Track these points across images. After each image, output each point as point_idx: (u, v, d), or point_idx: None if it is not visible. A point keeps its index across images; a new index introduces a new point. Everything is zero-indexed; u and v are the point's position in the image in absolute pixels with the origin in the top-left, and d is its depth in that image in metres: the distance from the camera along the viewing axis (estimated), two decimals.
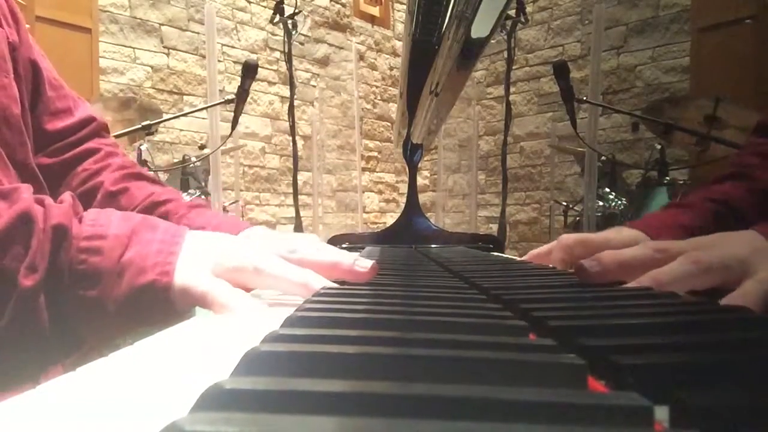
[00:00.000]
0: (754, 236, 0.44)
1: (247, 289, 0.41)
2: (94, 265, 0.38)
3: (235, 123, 1.78)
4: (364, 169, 4.62)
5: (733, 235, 0.45)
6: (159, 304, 0.38)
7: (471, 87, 4.08)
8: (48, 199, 0.40)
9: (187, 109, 3.34)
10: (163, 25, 3.49)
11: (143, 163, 2.30)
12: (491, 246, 1.16)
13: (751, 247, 0.42)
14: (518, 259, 0.81)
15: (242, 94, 1.73)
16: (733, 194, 0.69)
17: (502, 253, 1.18)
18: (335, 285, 0.42)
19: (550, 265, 0.64)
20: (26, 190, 0.40)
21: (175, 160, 3.09)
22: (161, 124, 2.36)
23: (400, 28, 4.97)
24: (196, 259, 0.40)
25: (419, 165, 1.27)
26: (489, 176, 4.61)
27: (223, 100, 1.80)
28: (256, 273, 0.40)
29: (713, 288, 0.41)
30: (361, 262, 0.44)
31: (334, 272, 0.44)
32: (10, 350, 0.37)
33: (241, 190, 3.61)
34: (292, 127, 2.08)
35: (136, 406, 0.16)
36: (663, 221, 0.67)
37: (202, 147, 3.04)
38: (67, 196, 0.42)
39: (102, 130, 0.77)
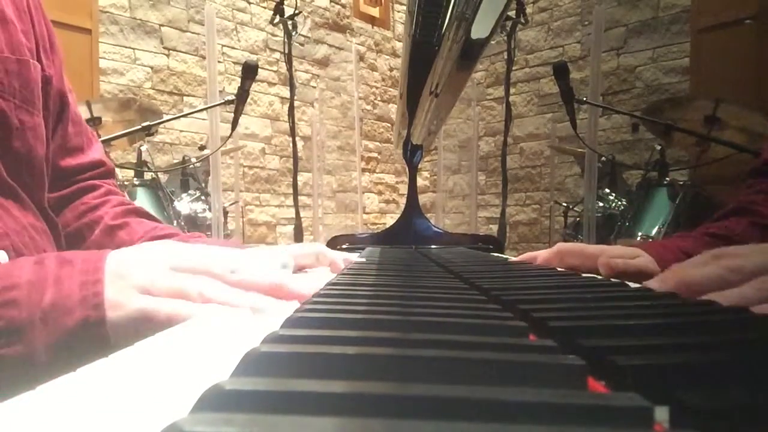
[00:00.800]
0: None
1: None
2: (12, 320, 0.34)
3: (235, 124, 1.78)
4: (364, 170, 4.62)
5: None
6: (96, 342, 0.34)
7: (471, 88, 4.08)
8: None
9: (187, 110, 3.34)
10: (163, 26, 3.50)
11: (143, 163, 2.30)
12: (491, 247, 1.16)
13: None
14: (513, 259, 0.81)
15: (242, 94, 1.73)
16: (734, 229, 0.69)
17: (502, 253, 1.18)
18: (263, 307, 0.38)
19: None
20: None
21: (175, 161, 3.09)
22: (161, 125, 2.37)
23: (400, 29, 4.97)
24: (122, 283, 0.36)
25: (419, 166, 1.27)
26: (489, 177, 4.61)
27: (223, 101, 1.80)
28: (199, 297, 0.37)
29: None
30: (299, 285, 0.40)
31: (278, 294, 0.40)
32: None
33: (241, 191, 3.61)
34: (292, 127, 2.08)
35: (136, 407, 0.16)
36: (663, 245, 0.67)
37: (202, 148, 3.05)
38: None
39: (108, 175, 0.76)
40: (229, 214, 2.90)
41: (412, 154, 1.23)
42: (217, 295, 0.37)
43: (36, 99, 0.59)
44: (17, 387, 0.17)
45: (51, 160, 0.66)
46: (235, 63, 3.81)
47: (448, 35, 0.97)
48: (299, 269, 0.64)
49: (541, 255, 0.66)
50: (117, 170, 2.53)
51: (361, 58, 4.68)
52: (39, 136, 0.59)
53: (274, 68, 4.08)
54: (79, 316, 0.34)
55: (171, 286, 0.37)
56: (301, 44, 4.20)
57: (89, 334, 0.34)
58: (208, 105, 1.86)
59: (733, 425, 0.14)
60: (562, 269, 0.63)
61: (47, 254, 0.39)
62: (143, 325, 0.35)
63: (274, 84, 4.08)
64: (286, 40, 2.05)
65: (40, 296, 0.35)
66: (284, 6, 2.05)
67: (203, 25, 2.38)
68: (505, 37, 2.09)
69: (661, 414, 0.15)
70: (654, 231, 2.06)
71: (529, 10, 3.37)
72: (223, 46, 3.76)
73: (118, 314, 0.35)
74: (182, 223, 2.31)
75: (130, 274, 0.37)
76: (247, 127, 3.89)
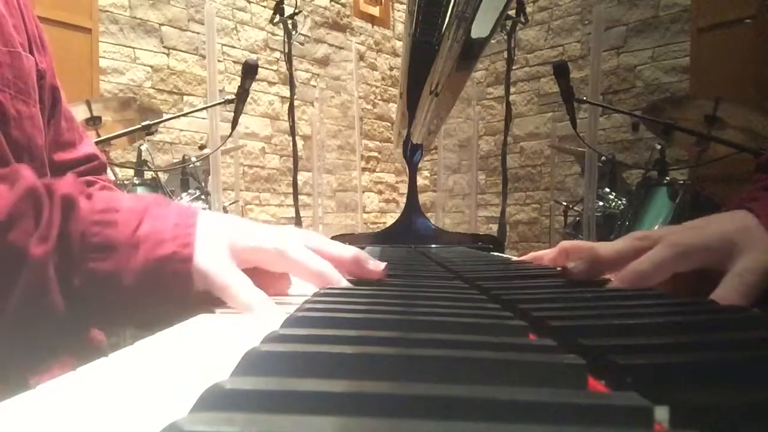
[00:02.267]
0: (743, 216, 0.42)
1: (263, 271, 0.41)
2: (108, 237, 0.36)
3: (235, 123, 1.78)
4: (364, 169, 4.62)
5: (722, 215, 0.44)
6: (179, 278, 0.37)
7: (471, 87, 4.08)
8: (48, 178, 0.40)
9: (187, 109, 3.34)
10: (163, 25, 3.49)
11: (143, 163, 2.30)
12: (491, 246, 1.16)
13: (738, 225, 0.41)
14: (518, 258, 0.81)
15: (242, 94, 1.73)
16: None
17: (502, 253, 1.18)
18: (347, 283, 0.41)
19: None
20: (25, 169, 0.39)
21: (175, 160, 3.08)
22: (161, 124, 2.36)
23: (400, 28, 4.97)
24: (214, 235, 0.39)
25: (419, 165, 1.27)
26: (489, 176, 4.61)
27: (223, 100, 1.80)
28: (277, 254, 0.40)
29: (707, 286, 0.40)
30: (376, 262, 0.44)
31: (352, 268, 0.43)
32: (22, 328, 0.35)
33: (241, 191, 3.61)
34: (292, 127, 2.08)
35: (136, 406, 0.16)
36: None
37: (202, 147, 3.05)
38: (69, 175, 0.41)
39: (101, 169, 0.77)
40: (229, 214, 2.90)
41: (412, 153, 1.23)
42: (297, 254, 0.40)
43: (31, 90, 0.59)
44: (17, 387, 0.17)
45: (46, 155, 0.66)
46: (235, 62, 3.80)
47: (448, 34, 0.97)
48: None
49: (547, 255, 0.66)
50: (117, 169, 2.54)
51: (361, 57, 4.68)
52: (37, 126, 0.60)
53: (274, 67, 4.08)
54: (170, 249, 0.37)
55: (252, 243, 0.40)
56: (301, 43, 4.19)
57: (176, 270, 0.37)
58: (208, 104, 1.86)
59: (733, 425, 0.14)
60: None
61: (145, 194, 0.42)
62: (206, 282, 0.37)
63: (274, 83, 4.08)
64: (286, 39, 2.05)
65: (137, 224, 0.37)
66: (284, 5, 2.05)
67: (203, 24, 2.37)
68: (505, 37, 2.09)
69: (661, 414, 0.15)
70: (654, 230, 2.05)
71: (529, 9, 3.36)
72: (223, 45, 3.76)
73: (198, 259, 0.37)
74: None
75: (221, 227, 0.40)
76: (247, 127, 3.89)
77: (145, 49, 3.41)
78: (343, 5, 4.58)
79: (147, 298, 0.37)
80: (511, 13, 2.02)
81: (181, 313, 0.36)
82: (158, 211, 0.39)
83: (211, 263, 0.38)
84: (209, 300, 0.38)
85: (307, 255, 0.41)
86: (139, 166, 2.28)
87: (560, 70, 1.60)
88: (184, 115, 2.56)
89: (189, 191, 2.48)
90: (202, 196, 2.47)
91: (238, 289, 0.37)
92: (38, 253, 0.34)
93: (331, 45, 4.48)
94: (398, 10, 5.01)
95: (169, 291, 0.37)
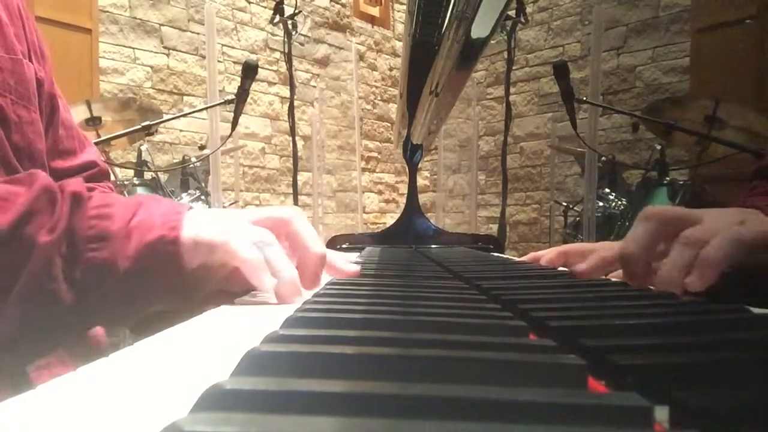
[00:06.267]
0: (740, 210, 0.47)
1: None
2: (104, 228, 0.40)
3: (235, 123, 1.78)
4: (364, 170, 4.62)
5: (720, 210, 0.47)
6: (169, 259, 0.40)
7: (471, 87, 4.08)
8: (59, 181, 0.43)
9: (187, 110, 3.34)
10: (163, 25, 3.49)
11: (143, 163, 2.30)
12: (491, 246, 1.16)
13: (739, 218, 0.45)
14: (518, 259, 0.81)
15: (242, 94, 1.73)
16: None
17: (502, 253, 1.18)
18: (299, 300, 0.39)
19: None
20: (42, 172, 0.42)
21: (175, 161, 3.09)
22: (161, 125, 2.37)
23: (400, 28, 4.97)
24: (203, 217, 0.42)
25: (419, 165, 1.27)
26: (489, 176, 4.61)
27: (223, 101, 1.80)
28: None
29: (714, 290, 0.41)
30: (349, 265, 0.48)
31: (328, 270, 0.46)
32: (28, 313, 0.38)
33: (241, 191, 3.61)
34: (292, 127, 2.08)
35: (136, 406, 0.16)
36: None
37: (202, 147, 3.05)
38: (76, 177, 0.44)
39: (102, 177, 0.77)
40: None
41: (412, 153, 1.23)
42: (275, 262, 0.40)
43: (32, 96, 0.60)
44: (18, 387, 0.17)
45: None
46: (235, 62, 3.80)
47: (448, 35, 0.97)
48: None
49: (546, 255, 0.66)
50: (117, 170, 2.54)
51: (361, 57, 4.68)
52: (37, 131, 0.60)
53: (274, 68, 4.08)
54: (158, 234, 0.40)
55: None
56: (301, 44, 4.19)
57: (165, 251, 0.40)
58: (208, 104, 1.86)
59: (733, 425, 0.14)
60: (564, 269, 0.63)
61: (141, 194, 0.45)
62: (197, 249, 0.40)
63: (274, 83, 4.08)
64: (286, 39, 2.05)
65: (130, 216, 0.41)
66: (284, 5, 2.05)
67: (203, 24, 2.37)
68: (505, 37, 2.09)
69: (661, 414, 0.15)
70: None
71: (529, 9, 3.37)
72: (223, 45, 3.76)
73: (189, 236, 0.40)
74: None
75: (206, 216, 0.43)
76: (247, 127, 3.89)
77: (145, 50, 3.41)
78: (343, 5, 4.59)
79: (143, 281, 0.40)
80: (511, 13, 2.03)
81: (187, 308, 0.37)
82: (151, 204, 0.43)
83: (201, 232, 0.41)
84: (218, 298, 0.40)
85: (283, 264, 0.41)
86: (139, 166, 2.29)
87: (560, 71, 1.60)
88: (184, 115, 2.56)
89: (189, 191, 2.48)
90: (202, 197, 2.47)
91: (239, 243, 0.40)
92: (44, 239, 0.37)
93: (331, 45, 4.48)
94: (398, 11, 5.01)
95: (163, 272, 0.40)
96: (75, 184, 0.41)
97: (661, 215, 0.46)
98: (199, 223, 0.42)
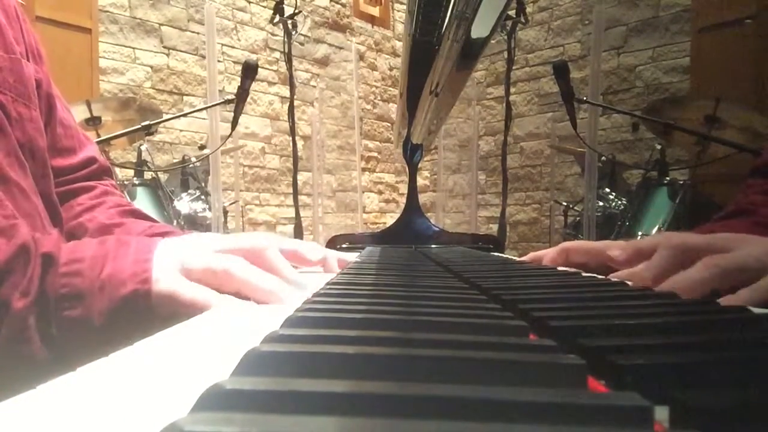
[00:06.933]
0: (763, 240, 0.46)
1: (220, 292, 0.42)
2: (76, 287, 0.40)
3: (234, 123, 1.78)
4: (364, 170, 4.62)
5: (750, 237, 0.47)
6: (142, 312, 0.40)
7: (471, 87, 4.08)
8: (38, 234, 0.43)
9: (187, 110, 3.34)
10: (163, 25, 3.49)
11: (143, 163, 2.30)
12: (491, 246, 1.17)
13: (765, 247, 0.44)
14: (518, 259, 0.81)
15: (242, 94, 1.73)
16: (737, 230, 0.69)
17: (502, 253, 1.18)
18: (297, 300, 0.40)
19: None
20: (23, 226, 0.42)
21: (175, 161, 3.09)
22: (161, 125, 2.37)
23: (400, 28, 4.97)
24: (169, 264, 0.42)
25: (419, 165, 1.27)
26: (489, 176, 4.61)
27: (223, 101, 1.80)
28: (225, 275, 0.42)
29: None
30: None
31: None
32: (2, 376, 0.38)
33: (241, 191, 3.61)
34: (292, 127, 2.08)
35: (136, 406, 0.16)
36: None
37: (202, 147, 3.05)
38: (55, 232, 0.45)
39: (103, 173, 0.77)
40: (229, 214, 2.90)
41: (412, 153, 1.23)
42: (242, 273, 0.41)
43: (32, 94, 0.61)
44: (18, 387, 0.17)
45: None
46: (235, 62, 3.80)
47: (448, 35, 0.97)
48: None
49: (547, 255, 0.66)
50: (117, 170, 2.53)
51: (361, 57, 4.68)
52: (38, 128, 0.61)
53: (274, 68, 4.08)
54: (131, 288, 0.40)
55: (201, 265, 0.42)
56: (301, 44, 4.19)
57: (138, 305, 0.40)
58: (208, 104, 1.86)
59: (733, 425, 0.14)
60: (564, 268, 0.63)
61: (108, 236, 0.45)
62: (173, 304, 0.40)
63: (274, 83, 4.08)
64: (285, 39, 2.05)
65: (100, 269, 0.41)
66: (284, 5, 2.05)
67: (203, 24, 2.38)
68: (505, 37, 2.09)
69: (661, 414, 0.15)
70: (654, 230, 2.06)
71: (529, 9, 3.36)
72: (223, 45, 3.76)
73: (158, 288, 0.40)
74: (182, 223, 2.31)
75: (175, 254, 0.43)
76: (247, 127, 3.88)
77: (145, 49, 3.41)
78: (343, 5, 4.58)
79: (120, 330, 0.40)
80: (511, 13, 2.02)
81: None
82: (119, 251, 0.42)
83: (179, 288, 0.40)
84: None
85: (253, 273, 0.42)
86: (139, 166, 2.28)
87: (560, 70, 1.60)
88: (184, 115, 2.56)
89: (189, 191, 2.48)
90: (202, 196, 2.47)
91: (191, 294, 0.40)
92: (19, 306, 0.38)
93: (331, 45, 4.48)
94: (398, 10, 5.01)
95: (136, 324, 0.40)
96: (49, 242, 0.41)
97: (682, 244, 0.47)
98: (171, 272, 0.41)
